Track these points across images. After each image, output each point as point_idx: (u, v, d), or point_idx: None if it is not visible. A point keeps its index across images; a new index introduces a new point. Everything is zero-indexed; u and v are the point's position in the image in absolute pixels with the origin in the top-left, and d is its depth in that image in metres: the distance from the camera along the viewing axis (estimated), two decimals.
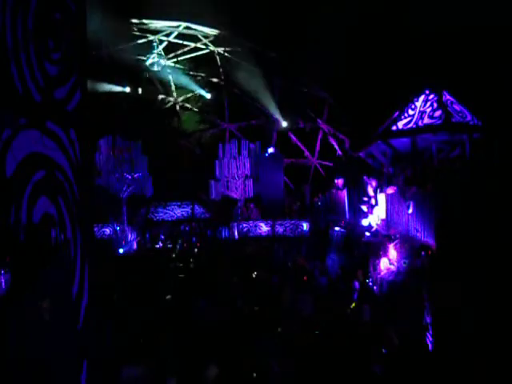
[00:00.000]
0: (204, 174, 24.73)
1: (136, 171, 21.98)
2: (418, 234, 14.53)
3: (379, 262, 13.89)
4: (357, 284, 11.64)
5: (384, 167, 18.03)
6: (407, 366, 6.57)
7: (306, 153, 27.15)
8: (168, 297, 10.26)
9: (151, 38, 23.15)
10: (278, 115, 26.48)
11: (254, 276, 13.71)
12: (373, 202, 17.49)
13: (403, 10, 17.72)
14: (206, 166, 24.88)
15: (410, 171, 15.99)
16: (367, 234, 16.94)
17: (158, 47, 23.40)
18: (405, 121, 16.87)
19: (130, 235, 20.65)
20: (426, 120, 16.39)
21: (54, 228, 3.59)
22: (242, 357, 6.45)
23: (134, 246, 20.11)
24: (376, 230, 16.83)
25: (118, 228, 20.33)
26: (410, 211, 15.00)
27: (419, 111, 16.65)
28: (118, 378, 5.45)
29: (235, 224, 21.45)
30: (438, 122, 16.13)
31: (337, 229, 18.04)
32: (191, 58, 24.99)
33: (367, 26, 18.95)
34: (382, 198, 16.86)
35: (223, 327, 7.74)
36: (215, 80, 25.98)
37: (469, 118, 16.38)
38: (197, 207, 23.74)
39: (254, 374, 6.10)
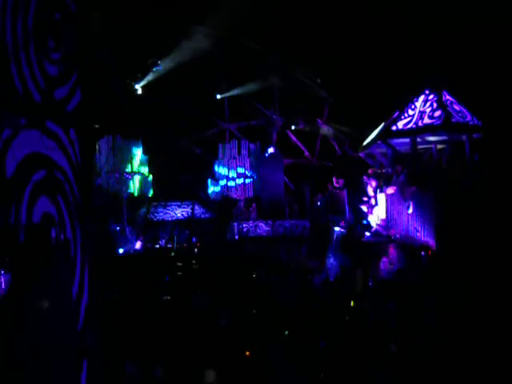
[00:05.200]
0: (204, 173, 24.76)
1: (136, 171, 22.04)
2: (418, 234, 14.52)
3: (379, 262, 13.91)
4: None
5: (384, 167, 18.03)
6: (406, 367, 6.58)
7: (306, 153, 27.13)
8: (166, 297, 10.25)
9: None
10: (277, 115, 26.50)
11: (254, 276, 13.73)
12: (373, 202, 17.48)
13: (403, 10, 17.71)
14: (206, 166, 24.90)
15: (409, 171, 15.99)
16: (367, 234, 16.94)
17: None
18: (405, 121, 16.86)
19: (129, 235, 20.65)
20: (426, 120, 16.38)
21: (54, 228, 3.59)
22: (243, 361, 6.45)
23: (138, 246, 20.11)
24: (376, 229, 16.83)
25: (118, 228, 20.33)
26: (410, 211, 15.01)
27: (419, 111, 16.64)
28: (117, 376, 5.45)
29: (235, 224, 21.45)
30: (438, 122, 16.12)
31: (337, 229, 18.04)
32: None
33: (368, 25, 18.93)
34: (381, 198, 16.86)
35: (223, 329, 7.74)
36: None
37: (469, 118, 16.37)
38: (197, 207, 23.72)
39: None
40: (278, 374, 6.10)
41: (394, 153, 17.42)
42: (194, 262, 16.78)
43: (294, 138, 26.97)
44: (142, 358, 6.22)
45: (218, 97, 25.17)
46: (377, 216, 17.07)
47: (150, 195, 22.96)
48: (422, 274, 12.07)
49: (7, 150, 3.12)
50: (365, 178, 18.06)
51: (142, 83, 22.50)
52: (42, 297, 3.36)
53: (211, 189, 24.33)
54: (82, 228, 4.06)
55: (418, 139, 16.72)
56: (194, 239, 21.70)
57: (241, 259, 16.29)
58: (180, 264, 16.31)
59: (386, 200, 16.57)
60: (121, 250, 18.99)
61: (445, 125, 16.01)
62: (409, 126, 16.72)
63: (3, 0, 3.08)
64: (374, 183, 17.71)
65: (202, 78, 24.19)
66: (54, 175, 3.68)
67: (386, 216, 16.50)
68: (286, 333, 7.73)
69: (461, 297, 9.01)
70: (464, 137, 16.30)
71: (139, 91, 22.55)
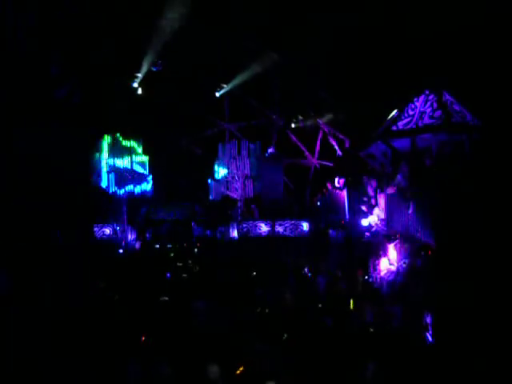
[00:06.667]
0: (204, 174, 24.81)
1: (136, 171, 22.08)
2: (418, 234, 14.53)
3: (379, 262, 13.92)
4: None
5: (384, 167, 18.03)
6: (406, 365, 6.58)
7: (306, 153, 27.14)
8: (164, 298, 10.23)
9: None
10: (277, 115, 26.53)
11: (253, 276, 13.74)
12: (373, 201, 17.49)
13: (403, 10, 17.71)
14: (206, 166, 24.94)
15: (408, 170, 16.00)
16: (367, 233, 16.95)
17: None
18: (405, 121, 16.88)
19: (129, 235, 20.66)
20: (426, 120, 16.40)
21: (54, 228, 3.60)
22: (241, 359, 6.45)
23: (138, 246, 20.11)
24: (376, 229, 16.84)
25: (118, 228, 20.33)
26: (410, 211, 15.01)
27: (419, 111, 16.66)
28: (121, 373, 5.44)
29: (235, 224, 21.47)
30: (438, 122, 16.14)
31: (337, 229, 18.07)
32: None
33: (367, 25, 18.93)
34: (381, 198, 16.87)
35: (223, 329, 7.74)
36: None
37: (469, 118, 16.39)
38: (197, 207, 23.74)
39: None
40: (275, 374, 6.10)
41: (393, 153, 17.43)
42: (192, 262, 16.77)
43: (294, 137, 26.98)
44: (142, 358, 6.22)
45: (217, 94, 25.13)
46: (377, 216, 17.08)
47: (150, 195, 22.98)
48: (422, 274, 12.07)
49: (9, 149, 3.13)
50: (365, 178, 18.08)
51: (142, 83, 22.51)
52: (43, 296, 3.36)
53: (211, 189, 24.36)
54: (82, 228, 4.08)
55: (418, 139, 16.72)
56: (194, 239, 21.71)
57: (241, 259, 16.30)
58: (180, 264, 16.32)
59: (386, 200, 16.59)
60: (121, 250, 18.99)
61: (445, 125, 16.02)
62: (409, 126, 16.74)
63: (4, 0, 3.10)
64: (373, 183, 17.73)
65: (202, 77, 24.20)
66: (53, 175, 3.70)
67: (386, 216, 16.51)
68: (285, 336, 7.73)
69: (460, 296, 9.01)
70: (464, 137, 16.30)
71: (139, 91, 22.55)
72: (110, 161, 21.35)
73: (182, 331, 7.58)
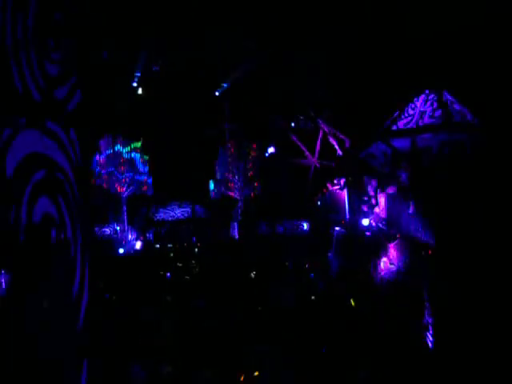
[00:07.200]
0: (204, 174, 24.77)
1: (136, 171, 22.07)
2: (418, 234, 14.52)
3: (379, 262, 13.91)
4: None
5: (384, 167, 18.02)
6: (407, 365, 6.57)
7: (306, 153, 27.10)
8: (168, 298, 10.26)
9: None
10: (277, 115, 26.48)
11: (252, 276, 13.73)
12: (373, 201, 17.48)
13: (403, 9, 17.69)
14: (207, 166, 24.90)
15: (409, 171, 15.99)
16: (367, 233, 16.93)
17: None
18: (405, 121, 16.87)
19: (129, 235, 20.66)
20: (427, 120, 16.40)
21: (54, 228, 3.58)
22: (240, 358, 6.45)
23: (138, 246, 20.10)
24: (376, 229, 16.83)
25: (118, 228, 20.33)
26: (410, 211, 15.00)
27: (419, 111, 16.66)
28: (120, 375, 5.44)
29: (235, 224, 21.47)
30: (439, 122, 16.14)
31: (337, 228, 18.05)
32: None
33: (368, 25, 18.91)
34: (381, 198, 16.86)
35: (223, 328, 7.74)
36: None
37: (469, 117, 16.38)
38: (197, 207, 23.74)
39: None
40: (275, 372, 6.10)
41: (394, 153, 17.42)
42: (193, 262, 16.77)
43: (294, 137, 26.95)
44: (144, 358, 6.22)
45: (217, 94, 25.08)
46: (377, 216, 17.07)
47: (150, 195, 22.96)
48: (422, 274, 12.06)
49: (7, 149, 3.11)
50: (365, 178, 18.06)
51: (142, 83, 22.49)
52: (42, 297, 3.35)
53: (211, 189, 24.35)
54: (82, 228, 4.06)
55: (418, 139, 16.72)
56: (194, 239, 21.71)
57: (241, 259, 16.29)
58: (180, 264, 16.32)
59: (386, 200, 16.57)
60: (121, 250, 18.98)
61: (445, 125, 16.02)
62: (409, 125, 16.74)
63: (3, 0, 3.08)
64: (373, 183, 17.71)
65: (202, 77, 24.17)
66: (54, 175, 3.68)
67: (386, 216, 16.49)
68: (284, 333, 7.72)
69: (460, 296, 9.00)
70: (464, 136, 16.29)
71: (139, 91, 22.53)
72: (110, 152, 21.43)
73: (182, 331, 7.58)
